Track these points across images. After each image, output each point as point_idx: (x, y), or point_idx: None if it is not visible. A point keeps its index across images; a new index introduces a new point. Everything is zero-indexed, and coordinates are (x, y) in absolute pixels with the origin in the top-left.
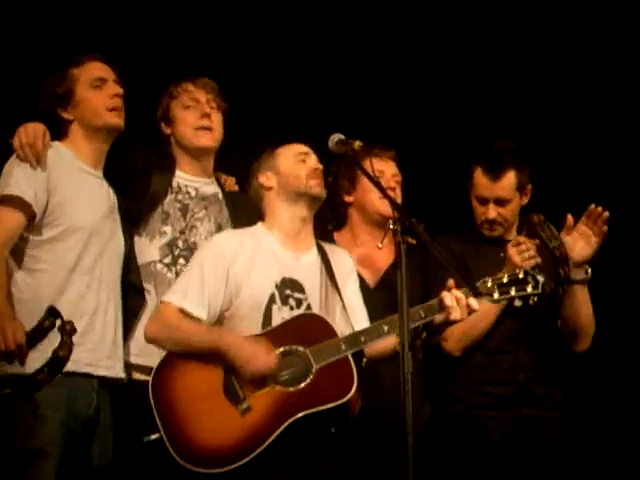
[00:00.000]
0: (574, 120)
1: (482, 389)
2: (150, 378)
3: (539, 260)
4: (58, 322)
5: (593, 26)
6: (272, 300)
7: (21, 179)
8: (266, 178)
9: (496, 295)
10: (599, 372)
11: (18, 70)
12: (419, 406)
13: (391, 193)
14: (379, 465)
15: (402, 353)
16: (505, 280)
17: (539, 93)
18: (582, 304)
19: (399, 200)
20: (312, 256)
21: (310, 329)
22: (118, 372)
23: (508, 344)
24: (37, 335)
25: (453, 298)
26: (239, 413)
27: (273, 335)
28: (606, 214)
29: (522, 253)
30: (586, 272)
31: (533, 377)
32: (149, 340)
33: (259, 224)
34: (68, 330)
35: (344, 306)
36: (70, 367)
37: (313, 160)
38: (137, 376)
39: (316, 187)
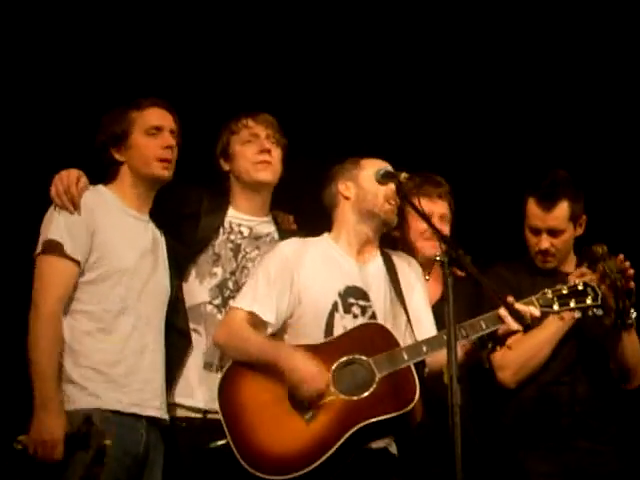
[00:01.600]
0: (630, 150)
1: (537, 421)
2: (218, 383)
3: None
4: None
5: None
6: (335, 308)
7: (62, 225)
8: (345, 187)
9: (556, 307)
10: None
11: (73, 106)
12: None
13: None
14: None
15: (450, 385)
16: (565, 292)
17: (593, 123)
18: (629, 348)
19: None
20: (377, 264)
21: (373, 338)
22: (164, 413)
23: (564, 375)
24: (73, 444)
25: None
26: (304, 421)
27: (336, 344)
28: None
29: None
30: (631, 316)
31: (590, 409)
32: (217, 346)
33: (325, 235)
34: (103, 444)
35: (408, 315)
36: (117, 407)
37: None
38: (185, 415)
39: (390, 213)
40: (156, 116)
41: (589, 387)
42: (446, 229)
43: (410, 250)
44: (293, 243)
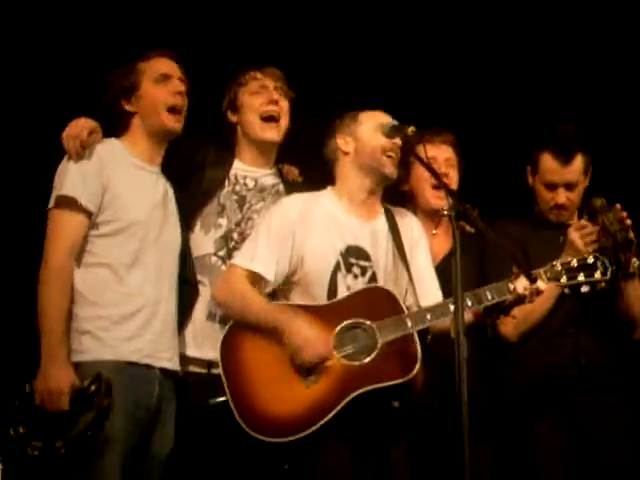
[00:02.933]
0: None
1: (542, 372)
2: (221, 339)
3: (598, 246)
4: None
5: None
6: (337, 268)
7: (76, 178)
8: (344, 142)
9: (563, 280)
10: None
11: (86, 63)
12: (474, 391)
13: (444, 179)
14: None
15: (457, 340)
16: (574, 265)
17: (591, 76)
18: (631, 297)
19: (454, 185)
20: (380, 223)
21: (377, 303)
22: (176, 365)
23: (568, 327)
24: (78, 399)
25: (520, 282)
26: (304, 384)
27: (340, 307)
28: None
29: (585, 237)
30: (634, 265)
31: (595, 361)
32: (218, 303)
33: (328, 189)
34: (104, 408)
35: (411, 276)
36: (132, 358)
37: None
38: (192, 369)
39: (389, 166)
40: (164, 64)
41: (593, 338)
42: (453, 173)
43: (418, 203)
44: (296, 201)
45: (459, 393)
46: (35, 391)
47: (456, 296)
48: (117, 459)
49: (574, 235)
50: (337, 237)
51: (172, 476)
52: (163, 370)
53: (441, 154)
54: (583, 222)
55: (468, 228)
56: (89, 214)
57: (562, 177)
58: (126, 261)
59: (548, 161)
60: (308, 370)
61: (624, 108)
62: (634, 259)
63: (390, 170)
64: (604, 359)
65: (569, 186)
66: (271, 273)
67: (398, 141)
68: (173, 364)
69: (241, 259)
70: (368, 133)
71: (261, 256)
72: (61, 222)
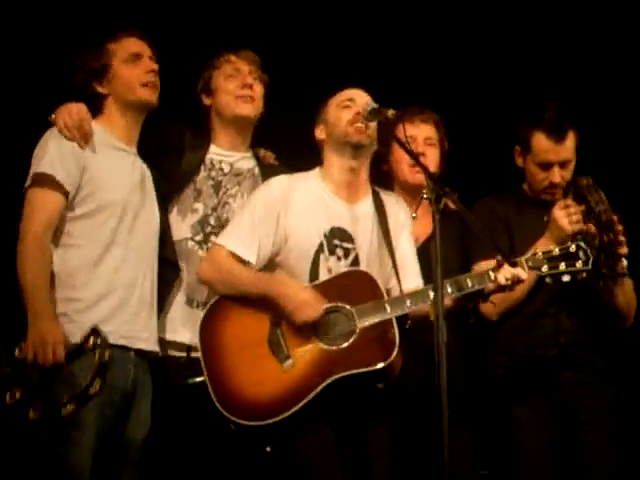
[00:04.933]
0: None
1: (522, 352)
2: (199, 321)
3: (584, 227)
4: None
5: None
6: (320, 249)
7: (55, 156)
8: (319, 131)
9: (545, 269)
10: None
11: (57, 45)
12: (457, 371)
13: (421, 159)
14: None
15: (437, 324)
16: (556, 253)
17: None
18: (620, 294)
19: (432, 164)
20: (366, 206)
21: (358, 287)
22: (153, 345)
23: (549, 307)
24: (76, 354)
25: (502, 272)
26: (282, 367)
27: (320, 290)
28: None
29: (569, 216)
30: (622, 266)
31: (575, 341)
32: (203, 283)
33: (316, 170)
34: (106, 360)
35: (395, 260)
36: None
37: (358, 104)
38: (171, 352)
39: (354, 134)
40: (134, 44)
41: (574, 319)
42: (432, 153)
43: (398, 182)
44: (282, 181)
45: (438, 377)
46: (27, 350)
47: (436, 280)
48: (91, 443)
49: (558, 214)
50: (322, 218)
51: (150, 459)
52: (139, 352)
53: (421, 133)
54: (568, 201)
55: (450, 205)
56: (66, 193)
57: (557, 155)
58: (103, 242)
59: (542, 140)
60: (287, 354)
61: (605, 85)
62: (623, 260)
63: (359, 137)
64: (584, 339)
65: (563, 164)
66: (254, 256)
67: (361, 110)
68: (150, 345)
69: (225, 239)
70: (333, 112)
71: (244, 238)
72: (38, 200)
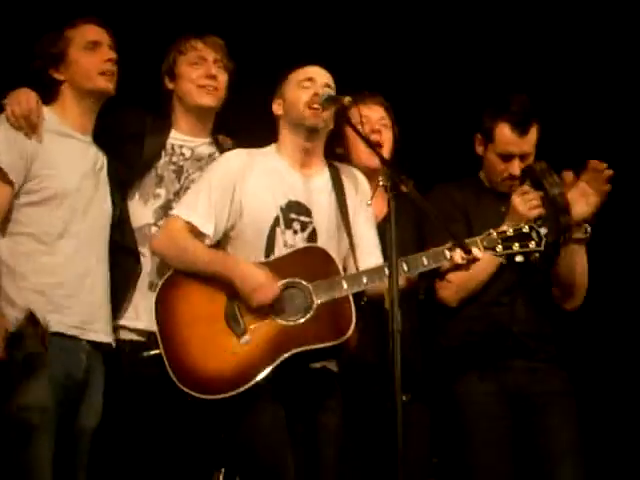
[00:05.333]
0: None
1: (476, 340)
2: (155, 292)
3: (542, 211)
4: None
5: None
6: (276, 223)
7: (2, 146)
8: (277, 106)
9: (499, 249)
10: (592, 330)
11: (14, 30)
12: (412, 353)
13: (376, 136)
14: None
15: (391, 311)
16: (510, 233)
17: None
18: (577, 263)
19: (388, 144)
20: (322, 181)
21: (314, 263)
22: (105, 337)
23: (504, 296)
24: (17, 339)
25: (457, 250)
26: (238, 342)
27: (277, 265)
28: (608, 172)
29: (527, 202)
30: (585, 231)
31: (527, 330)
32: (156, 254)
33: (272, 145)
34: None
35: (351, 235)
36: (58, 328)
37: (317, 85)
38: (136, 338)
39: (310, 118)
40: (92, 31)
41: (528, 309)
42: (386, 133)
43: (353, 164)
44: (239, 154)
45: (393, 366)
46: None
47: (391, 267)
48: (49, 427)
49: (517, 200)
50: (278, 191)
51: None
52: (91, 342)
53: (374, 114)
54: (525, 188)
55: (403, 188)
56: (13, 183)
57: (519, 148)
58: (53, 231)
59: (505, 132)
60: (243, 329)
61: (566, 74)
62: (585, 225)
63: (314, 121)
64: (536, 329)
65: (523, 157)
66: (210, 227)
67: (320, 92)
68: (101, 336)
69: (181, 210)
70: (291, 90)
71: (201, 209)
72: None
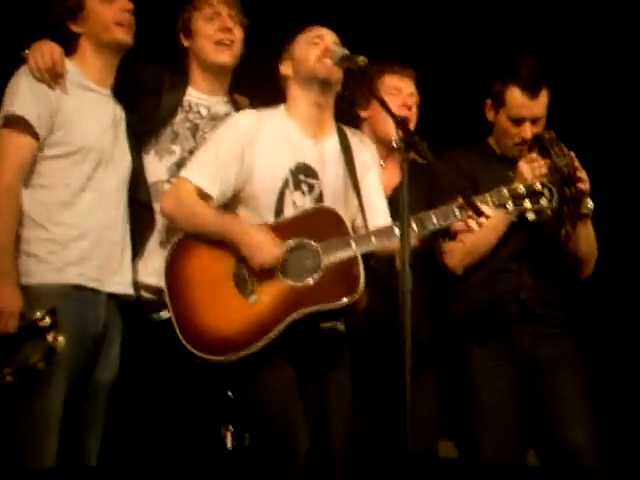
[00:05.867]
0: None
1: (483, 307)
2: (165, 257)
3: (549, 179)
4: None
5: None
6: (286, 185)
7: (28, 98)
8: (285, 67)
9: (509, 206)
10: (601, 297)
11: None
12: (421, 320)
13: (406, 112)
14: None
15: (402, 272)
16: (521, 191)
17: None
18: (582, 238)
19: (413, 122)
20: (331, 143)
21: (323, 224)
22: (126, 288)
23: (511, 263)
24: (29, 331)
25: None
26: (247, 303)
27: (286, 226)
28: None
29: (535, 170)
30: (586, 206)
31: (535, 297)
32: (165, 216)
33: (281, 106)
34: (57, 343)
35: (361, 198)
36: (78, 280)
37: (326, 42)
38: (147, 295)
39: (322, 70)
40: None
41: (535, 275)
42: (414, 109)
43: (379, 133)
44: (248, 116)
45: (402, 325)
46: None
47: (403, 228)
48: (63, 383)
49: (524, 167)
50: (287, 154)
51: (119, 400)
52: (110, 294)
53: (406, 88)
54: (533, 155)
55: (419, 159)
56: (38, 136)
57: (530, 111)
58: (75, 184)
59: (517, 95)
60: (251, 289)
61: (576, 42)
62: (587, 200)
63: (328, 74)
64: (544, 296)
65: (534, 121)
66: (217, 190)
67: (330, 46)
68: (122, 288)
69: (189, 172)
70: (301, 48)
71: (209, 171)
72: (9, 142)
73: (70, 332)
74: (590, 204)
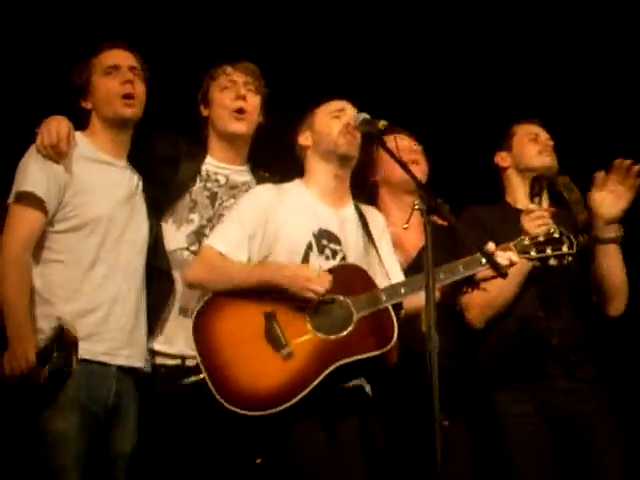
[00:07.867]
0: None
1: (513, 357)
2: (192, 319)
3: (549, 229)
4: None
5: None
6: (309, 248)
7: (36, 173)
8: (305, 138)
9: (533, 253)
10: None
11: (58, 57)
12: (451, 368)
13: (414, 167)
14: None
15: (429, 333)
16: (542, 239)
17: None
18: (612, 265)
19: (423, 174)
20: (349, 211)
21: (350, 280)
22: (137, 361)
23: (540, 310)
24: (49, 351)
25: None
26: (281, 358)
27: None
28: (636, 167)
29: (533, 220)
30: (617, 231)
31: (566, 343)
32: (193, 282)
33: (297, 180)
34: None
35: (381, 261)
36: (86, 355)
37: (348, 116)
38: (164, 362)
39: (344, 145)
40: (112, 56)
41: (565, 321)
42: (423, 163)
43: (395, 187)
44: (267, 188)
45: (431, 384)
46: (5, 367)
47: (428, 289)
48: (73, 452)
49: (524, 219)
50: (309, 220)
51: (141, 470)
52: (122, 367)
53: (406, 143)
54: (531, 206)
55: (439, 221)
56: (47, 210)
57: (540, 129)
58: (86, 258)
59: (524, 125)
60: (284, 343)
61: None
62: (609, 225)
63: (349, 149)
64: (576, 342)
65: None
66: (243, 257)
67: (352, 121)
68: (132, 361)
69: (214, 240)
70: (322, 121)
71: (233, 239)
72: (18, 216)
73: (77, 402)
74: (619, 231)
